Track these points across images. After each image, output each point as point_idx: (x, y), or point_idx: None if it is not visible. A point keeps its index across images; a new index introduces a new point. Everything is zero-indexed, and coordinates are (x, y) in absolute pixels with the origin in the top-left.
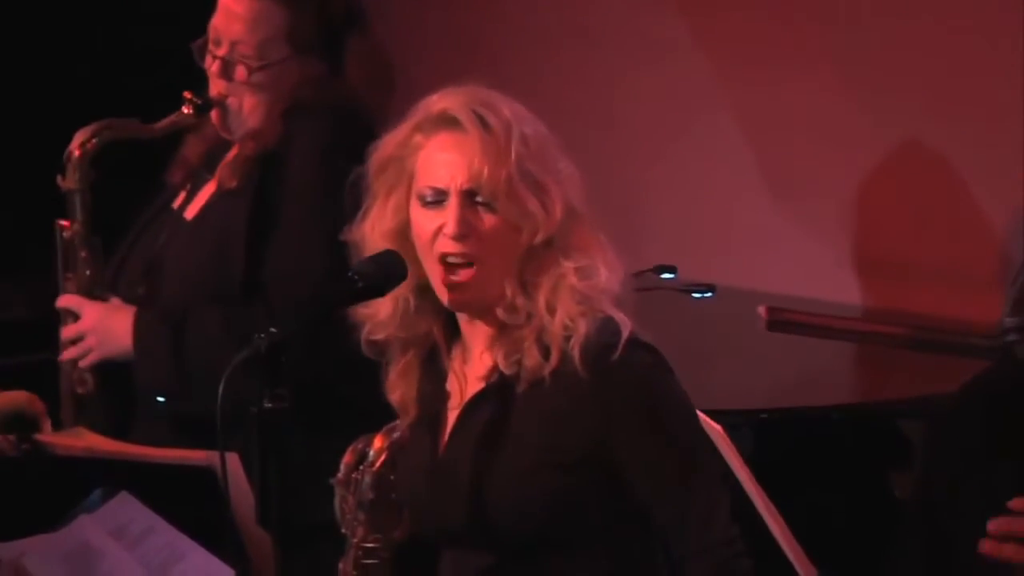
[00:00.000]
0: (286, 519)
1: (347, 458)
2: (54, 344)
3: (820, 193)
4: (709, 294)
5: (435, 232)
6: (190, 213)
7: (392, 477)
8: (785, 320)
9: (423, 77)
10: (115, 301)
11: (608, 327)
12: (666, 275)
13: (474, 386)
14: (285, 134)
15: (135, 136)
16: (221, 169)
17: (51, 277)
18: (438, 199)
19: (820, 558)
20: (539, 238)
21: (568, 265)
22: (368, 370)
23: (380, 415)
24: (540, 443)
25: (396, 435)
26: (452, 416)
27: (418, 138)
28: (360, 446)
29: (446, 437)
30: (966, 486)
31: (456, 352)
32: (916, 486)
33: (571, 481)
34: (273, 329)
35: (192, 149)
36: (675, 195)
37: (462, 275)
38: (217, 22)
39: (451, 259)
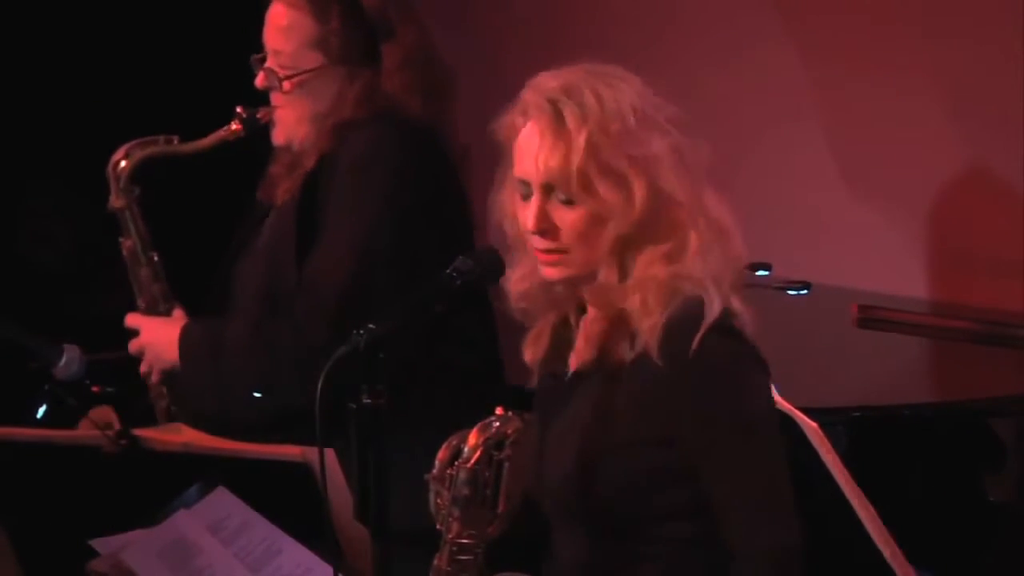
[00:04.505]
0: (384, 515)
1: (442, 454)
2: None
3: (914, 191)
4: (804, 291)
5: (527, 225)
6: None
7: (487, 473)
8: (876, 318)
9: (511, 68)
10: (177, 313)
11: (692, 312)
12: (761, 272)
13: (576, 364)
14: (332, 151)
15: (177, 153)
16: (279, 187)
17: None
18: (527, 192)
19: (915, 557)
20: (625, 228)
21: (655, 249)
22: (463, 366)
23: (474, 410)
24: (623, 425)
25: (491, 431)
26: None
27: (518, 121)
28: (455, 442)
29: (556, 412)
30: None
31: (580, 328)
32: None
33: (652, 463)
34: (371, 325)
35: (276, 166)
36: (769, 192)
37: (552, 261)
38: (264, 36)
39: (542, 253)
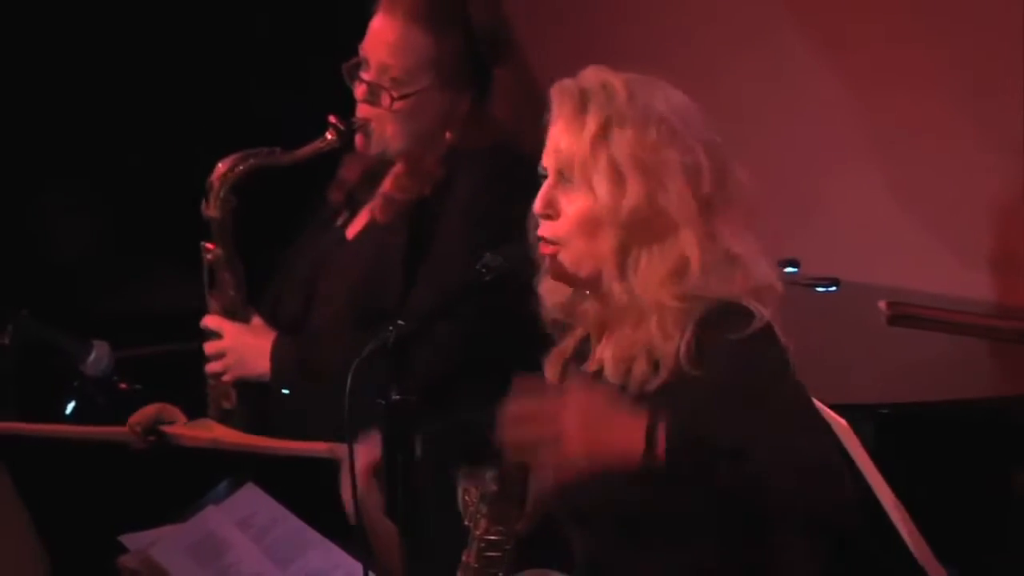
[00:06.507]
0: (413, 511)
1: None
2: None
3: (944, 188)
4: (833, 288)
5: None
6: (351, 233)
7: (515, 470)
8: (906, 315)
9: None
10: (256, 322)
11: (713, 326)
12: (789, 269)
13: (592, 368)
14: (442, 179)
15: (276, 164)
16: (377, 199)
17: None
18: (543, 175)
19: (943, 553)
20: (614, 228)
21: (657, 265)
22: (492, 360)
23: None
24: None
25: None
26: None
27: (554, 112)
28: None
29: None
30: None
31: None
32: None
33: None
34: (400, 321)
35: (350, 171)
36: (797, 189)
37: (548, 251)
38: (366, 45)
39: (542, 245)
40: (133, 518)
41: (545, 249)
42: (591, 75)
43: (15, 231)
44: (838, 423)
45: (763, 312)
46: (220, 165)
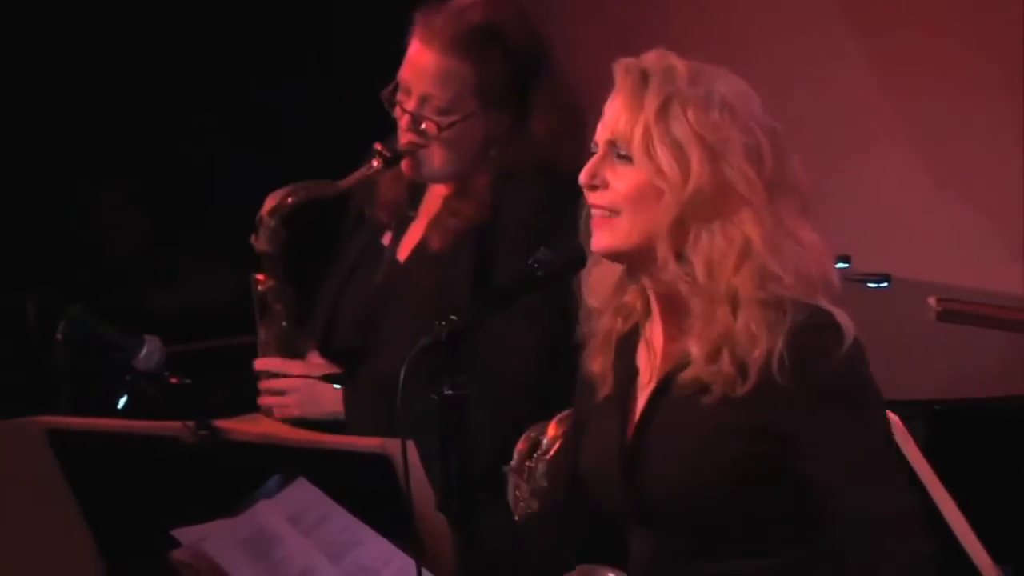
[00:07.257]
0: (466, 506)
1: (520, 446)
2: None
3: (995, 185)
4: (884, 284)
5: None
6: (402, 254)
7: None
8: (956, 311)
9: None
10: (314, 357)
11: (823, 336)
12: (840, 265)
13: (664, 366)
14: (493, 205)
15: (324, 195)
16: (423, 218)
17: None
18: (593, 151)
19: (998, 553)
20: (676, 205)
21: (721, 248)
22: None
23: (554, 403)
24: (723, 418)
25: (569, 423)
26: (642, 395)
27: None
28: (533, 434)
29: (636, 416)
30: None
31: (649, 328)
32: None
33: (751, 449)
34: (453, 316)
35: (390, 191)
36: (849, 185)
37: (601, 224)
38: (405, 75)
39: (593, 211)
40: (185, 513)
41: (598, 220)
42: (653, 57)
43: (66, 229)
44: (890, 418)
45: (850, 325)
46: (269, 199)
